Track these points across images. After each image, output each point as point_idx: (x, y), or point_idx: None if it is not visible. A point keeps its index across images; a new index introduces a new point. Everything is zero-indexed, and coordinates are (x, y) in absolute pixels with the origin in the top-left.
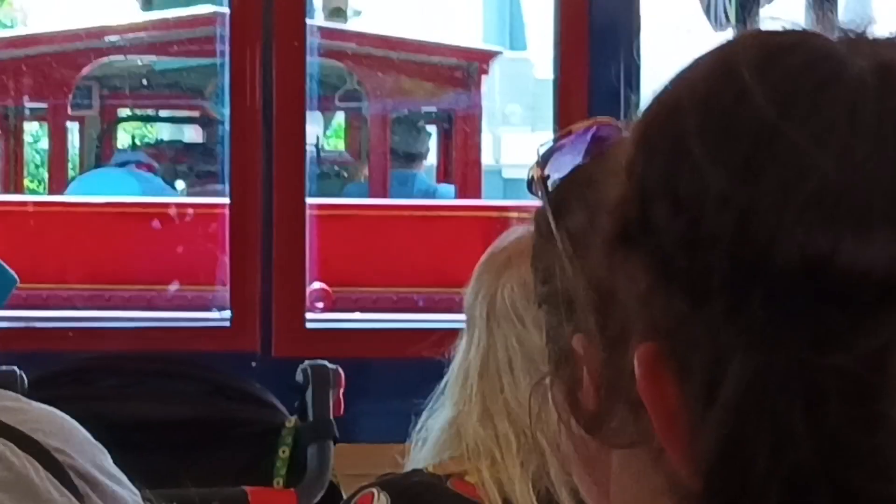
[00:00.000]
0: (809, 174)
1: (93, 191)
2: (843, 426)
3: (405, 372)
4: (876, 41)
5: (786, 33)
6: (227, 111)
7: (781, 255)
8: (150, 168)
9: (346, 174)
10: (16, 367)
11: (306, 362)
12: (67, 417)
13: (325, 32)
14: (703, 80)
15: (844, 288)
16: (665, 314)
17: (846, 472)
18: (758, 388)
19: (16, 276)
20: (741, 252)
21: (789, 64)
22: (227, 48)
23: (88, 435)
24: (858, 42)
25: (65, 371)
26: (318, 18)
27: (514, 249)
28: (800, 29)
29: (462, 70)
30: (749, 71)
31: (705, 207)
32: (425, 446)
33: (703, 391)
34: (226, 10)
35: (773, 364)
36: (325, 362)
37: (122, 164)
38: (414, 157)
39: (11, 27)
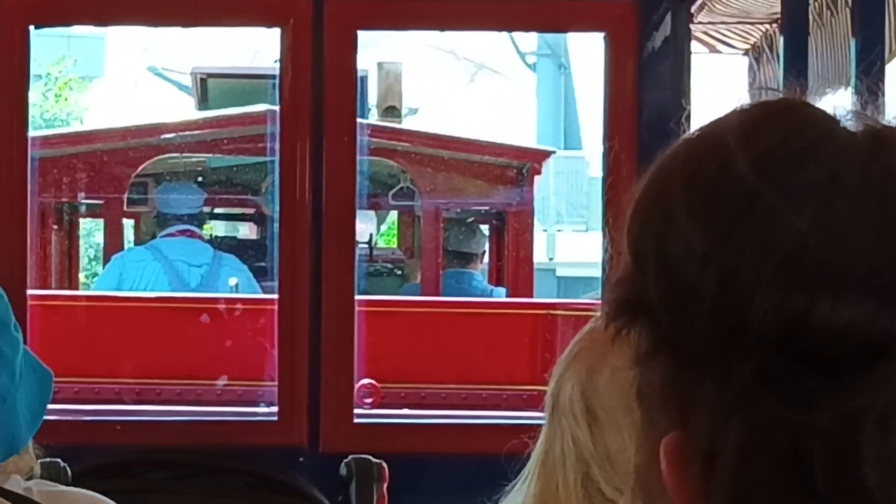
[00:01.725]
0: (785, 236)
1: (117, 274)
2: (830, 493)
3: (454, 468)
4: (881, 122)
5: (777, 101)
6: (277, 207)
7: (759, 314)
8: (192, 234)
9: (398, 272)
10: (59, 460)
11: (350, 456)
12: (109, 501)
13: (379, 131)
14: (691, 148)
15: (819, 348)
16: (664, 382)
17: None
18: (750, 453)
19: (51, 370)
20: (723, 313)
21: (776, 129)
22: (277, 145)
23: None
24: (860, 117)
25: (109, 464)
26: (372, 118)
27: (585, 342)
28: (791, 98)
29: (515, 169)
30: (735, 137)
31: (688, 268)
32: None
33: (706, 464)
34: (277, 107)
35: (762, 425)
36: (369, 457)
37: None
38: (469, 258)
39: (68, 124)
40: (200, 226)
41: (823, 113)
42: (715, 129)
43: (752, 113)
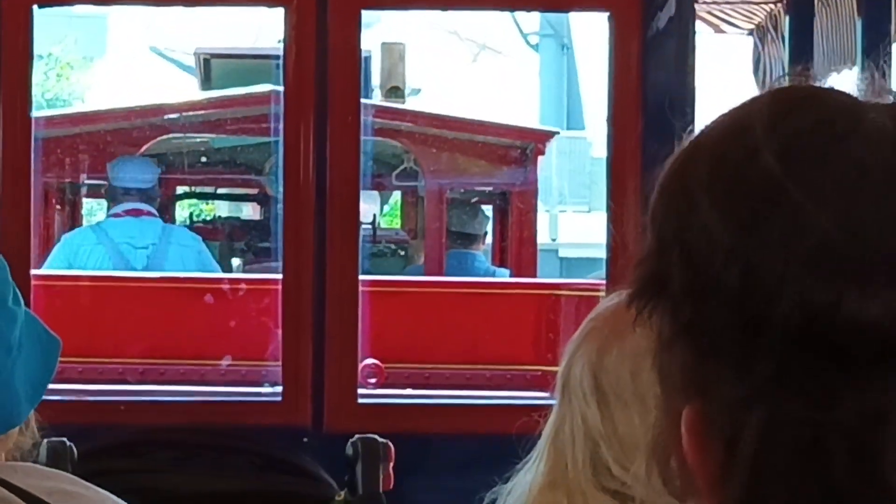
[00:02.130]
0: (809, 231)
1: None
2: (848, 489)
3: (458, 448)
4: None
5: (803, 88)
6: (280, 187)
7: (783, 309)
8: (138, 213)
9: (402, 253)
10: (65, 439)
11: (356, 436)
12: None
13: (382, 112)
14: (718, 135)
15: (843, 344)
16: (684, 369)
17: None
18: (769, 445)
19: (59, 337)
20: (746, 306)
21: (802, 120)
22: (281, 125)
23: None
24: (884, 101)
25: (116, 444)
26: (376, 99)
27: (596, 322)
28: (819, 85)
29: (518, 150)
30: (762, 127)
31: (711, 260)
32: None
33: (726, 447)
34: (281, 88)
35: (782, 420)
36: (376, 436)
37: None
38: (472, 238)
39: (69, 104)
40: (153, 201)
41: (852, 100)
42: (742, 115)
43: (778, 99)
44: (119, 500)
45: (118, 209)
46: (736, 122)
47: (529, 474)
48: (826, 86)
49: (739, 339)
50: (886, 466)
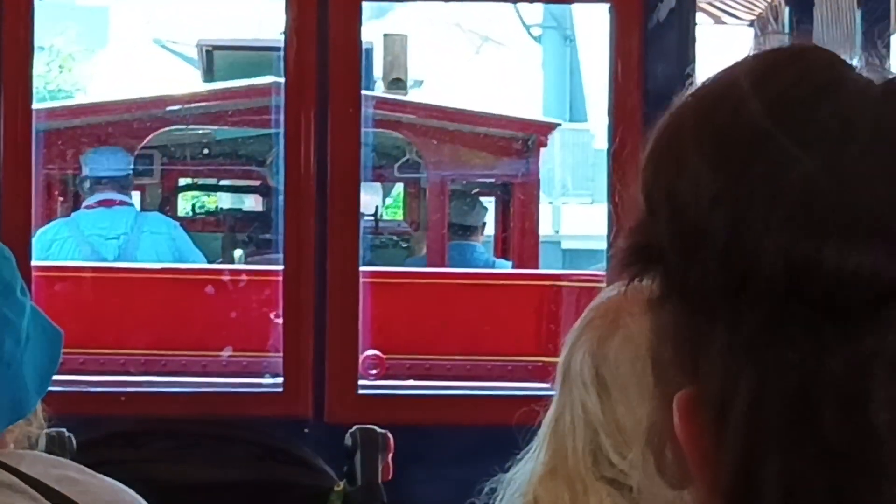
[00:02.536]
0: (795, 178)
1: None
2: (837, 439)
3: (458, 439)
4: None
5: (790, 46)
6: (281, 179)
7: (768, 258)
8: (111, 203)
9: (404, 245)
10: (64, 430)
11: (355, 426)
12: (131, 492)
13: (384, 103)
14: (704, 96)
15: (828, 293)
16: (676, 329)
17: (847, 485)
18: (760, 405)
19: (60, 329)
20: (733, 256)
21: (790, 71)
22: (282, 117)
23: None
24: (873, 68)
25: (115, 434)
26: (378, 90)
27: (597, 311)
28: (804, 42)
29: (520, 141)
30: (748, 81)
31: (699, 210)
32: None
33: (718, 418)
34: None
35: (771, 378)
36: (374, 427)
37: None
38: (471, 230)
39: (71, 96)
40: (127, 190)
41: (837, 57)
42: (728, 74)
43: (765, 57)
44: (124, 487)
45: (91, 200)
46: (721, 80)
47: (530, 463)
48: (811, 44)
49: (729, 291)
50: (872, 412)
